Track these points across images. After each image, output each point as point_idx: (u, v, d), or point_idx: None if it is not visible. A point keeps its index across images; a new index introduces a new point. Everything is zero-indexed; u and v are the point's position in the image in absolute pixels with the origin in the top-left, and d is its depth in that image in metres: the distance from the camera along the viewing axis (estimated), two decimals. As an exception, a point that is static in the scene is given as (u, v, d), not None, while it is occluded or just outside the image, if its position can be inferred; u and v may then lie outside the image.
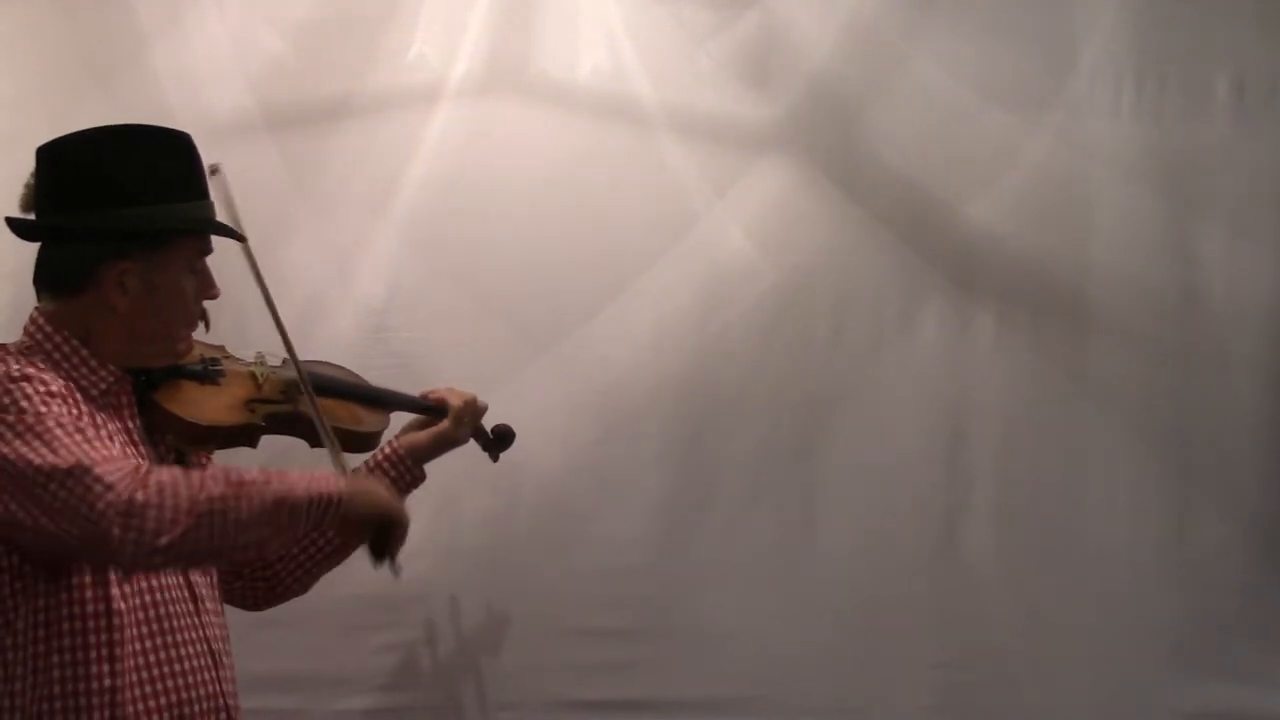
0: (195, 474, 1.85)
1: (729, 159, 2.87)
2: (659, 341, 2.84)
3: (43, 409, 1.85)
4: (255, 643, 2.50)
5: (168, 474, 1.83)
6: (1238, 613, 2.87)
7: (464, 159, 2.81)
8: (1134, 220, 2.88)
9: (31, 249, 2.06)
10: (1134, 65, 2.89)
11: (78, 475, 1.79)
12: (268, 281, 2.14)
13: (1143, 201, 2.88)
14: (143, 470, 1.82)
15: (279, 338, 2.16)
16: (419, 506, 2.51)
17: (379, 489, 2.07)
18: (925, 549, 2.85)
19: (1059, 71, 2.88)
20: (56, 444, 1.82)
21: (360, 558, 2.30)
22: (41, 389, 1.87)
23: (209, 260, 2.08)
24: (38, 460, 1.80)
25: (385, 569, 2.06)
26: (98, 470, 1.80)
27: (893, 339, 2.87)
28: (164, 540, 1.79)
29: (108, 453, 1.85)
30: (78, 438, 1.83)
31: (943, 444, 2.87)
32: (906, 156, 2.87)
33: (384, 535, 2.04)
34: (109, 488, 1.78)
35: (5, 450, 1.81)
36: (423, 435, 2.38)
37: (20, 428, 1.82)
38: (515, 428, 2.54)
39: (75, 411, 1.89)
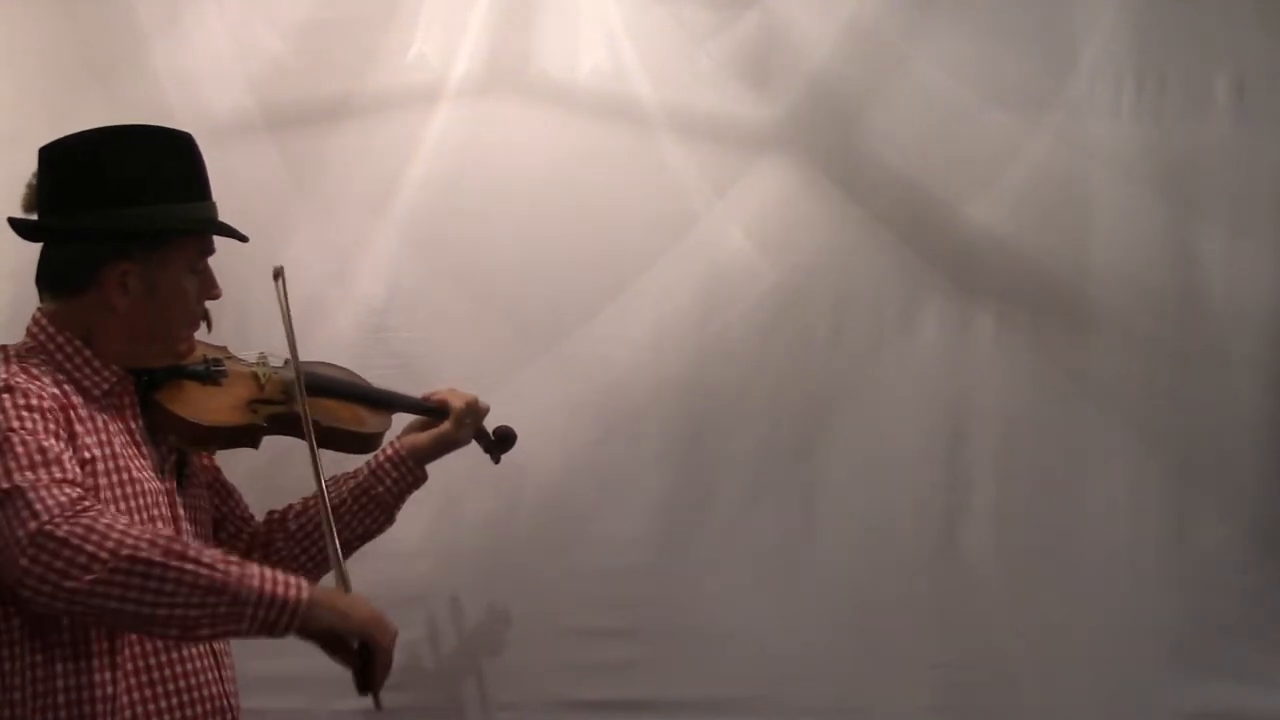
0: (139, 530, 1.78)
1: (729, 159, 2.87)
2: (659, 341, 2.84)
3: (14, 424, 1.83)
4: (255, 643, 2.46)
5: (107, 519, 1.76)
6: (1238, 613, 2.87)
7: (464, 159, 2.82)
8: (1134, 220, 2.88)
9: (31, 248, 2.06)
10: (1134, 65, 2.89)
11: (13, 497, 1.76)
12: (263, 278, 2.14)
13: (1143, 201, 2.88)
14: (81, 506, 1.76)
15: (284, 339, 2.16)
16: (420, 507, 2.53)
17: (359, 605, 1.91)
18: (925, 549, 2.86)
19: (1059, 71, 2.88)
20: (10, 463, 1.79)
21: (361, 555, 2.32)
22: (21, 402, 1.85)
23: (211, 260, 2.08)
24: None
25: (369, 700, 1.96)
26: (31, 495, 1.76)
27: (893, 339, 2.88)
28: (68, 584, 1.72)
29: (61, 476, 1.80)
30: (36, 458, 1.80)
31: (943, 444, 2.87)
32: (906, 156, 2.87)
33: (367, 662, 1.91)
34: (34, 515, 1.74)
35: None
36: (424, 436, 2.38)
37: None
38: (515, 427, 2.54)
39: (53, 425, 1.86)
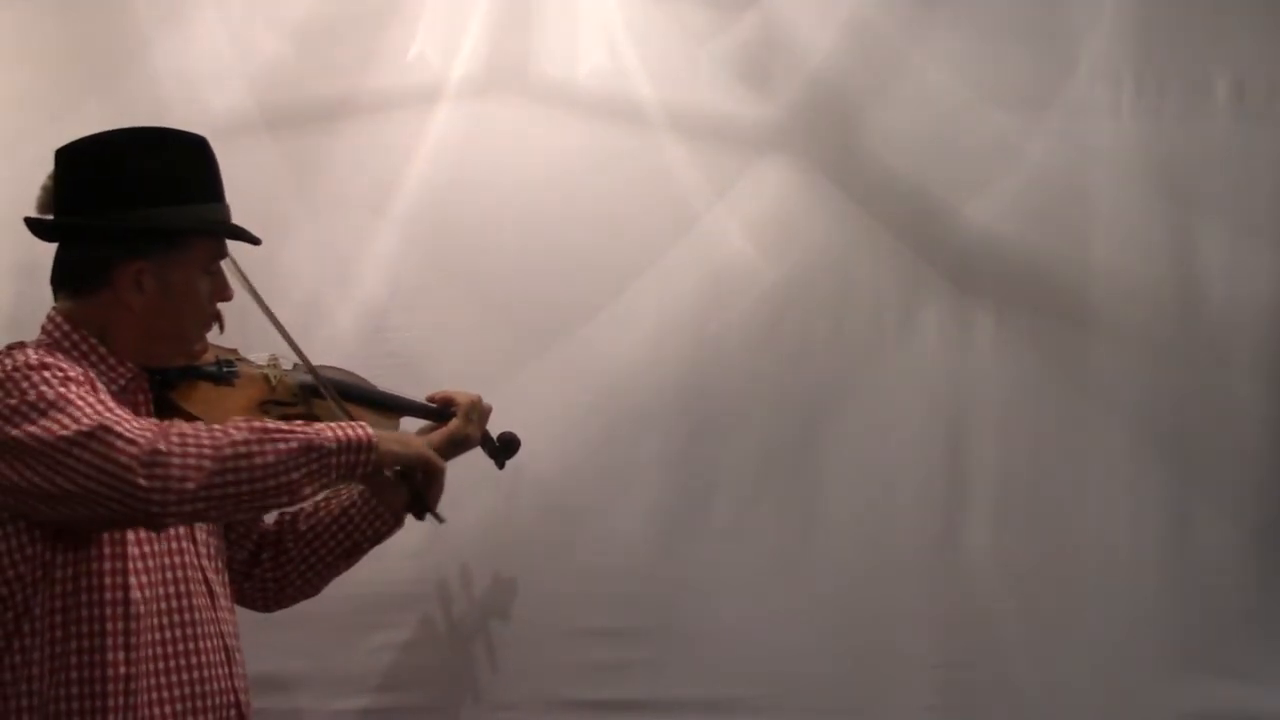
0: (219, 427, 1.90)
1: (729, 159, 2.87)
2: (659, 341, 2.85)
3: (62, 389, 1.89)
4: (255, 642, 2.50)
5: (190, 426, 1.90)
6: (1238, 613, 2.87)
7: (464, 159, 2.82)
8: (1134, 220, 2.88)
9: (34, 246, 2.08)
10: (1134, 65, 2.89)
11: (100, 435, 1.84)
12: (263, 278, 2.16)
13: (1143, 201, 2.89)
14: (162, 425, 1.88)
15: (285, 344, 2.19)
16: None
17: (410, 436, 2.14)
18: (925, 549, 2.86)
19: (1059, 71, 2.89)
20: (78, 412, 1.86)
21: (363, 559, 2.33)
22: (60, 374, 1.91)
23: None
24: (61, 430, 1.84)
25: (430, 521, 2.14)
26: (119, 428, 1.85)
27: (893, 339, 2.88)
28: (190, 485, 1.84)
29: (128, 414, 1.90)
30: (98, 406, 1.88)
31: (943, 444, 2.87)
32: (906, 156, 2.87)
33: (421, 486, 2.12)
34: (131, 441, 1.83)
35: (31, 429, 1.86)
36: (434, 436, 2.39)
37: (43, 405, 1.87)
38: (515, 427, 2.56)
39: (96, 392, 1.93)
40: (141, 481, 1.82)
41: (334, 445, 1.94)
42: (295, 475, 1.90)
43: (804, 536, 2.86)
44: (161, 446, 1.83)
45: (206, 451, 1.85)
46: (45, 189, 2.06)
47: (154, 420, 1.93)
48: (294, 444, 1.91)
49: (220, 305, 2.13)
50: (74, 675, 1.92)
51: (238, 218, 2.16)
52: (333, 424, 1.98)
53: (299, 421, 1.99)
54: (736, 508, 2.85)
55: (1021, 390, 2.88)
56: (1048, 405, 2.88)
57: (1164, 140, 2.89)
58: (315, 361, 2.32)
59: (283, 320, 2.22)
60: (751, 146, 2.88)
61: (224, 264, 2.14)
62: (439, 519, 2.17)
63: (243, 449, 1.87)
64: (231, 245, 2.15)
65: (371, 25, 2.82)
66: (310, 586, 2.35)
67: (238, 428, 1.90)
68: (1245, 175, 2.89)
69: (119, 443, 1.83)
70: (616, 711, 2.81)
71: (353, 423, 2.01)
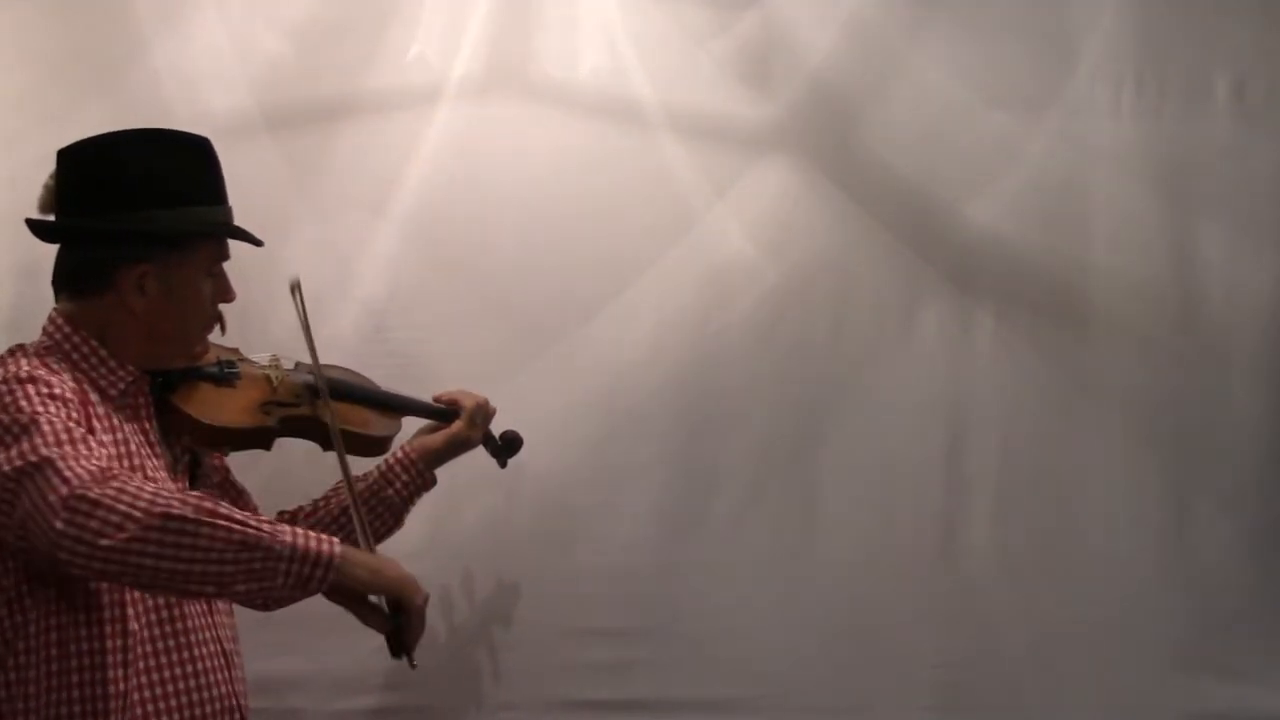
0: (170, 489, 1.82)
1: (729, 159, 2.87)
2: (659, 341, 2.85)
3: (39, 409, 1.86)
4: (256, 642, 2.50)
5: (137, 482, 1.78)
6: (1238, 613, 2.87)
7: (464, 159, 2.82)
8: (1134, 220, 2.88)
9: (35, 247, 2.07)
10: (1134, 65, 2.89)
11: (41, 469, 1.78)
12: (263, 278, 2.16)
13: (1143, 201, 2.89)
14: (110, 473, 1.79)
15: (290, 338, 2.17)
16: (420, 506, 2.54)
17: (388, 564, 1.94)
18: (925, 549, 2.86)
19: (1059, 71, 2.89)
20: (39, 440, 1.81)
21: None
22: (44, 391, 1.89)
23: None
24: (18, 460, 1.80)
25: (403, 662, 1.97)
26: (60, 464, 1.77)
27: (893, 339, 2.88)
28: (104, 543, 1.73)
29: (84, 452, 1.81)
30: (63, 436, 1.82)
31: (942, 444, 2.87)
32: (906, 156, 2.87)
33: (400, 625, 1.93)
34: (65, 481, 1.76)
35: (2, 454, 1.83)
36: (436, 438, 2.40)
37: (16, 429, 1.83)
38: (516, 427, 2.57)
39: (76, 416, 1.90)
40: (58, 524, 1.73)
41: (287, 551, 1.77)
42: (228, 568, 1.75)
43: (804, 536, 2.86)
44: (93, 493, 1.74)
45: (136, 513, 1.73)
46: (47, 188, 2.04)
47: (105, 466, 1.80)
48: (238, 537, 1.75)
49: (221, 306, 2.13)
50: (76, 694, 1.90)
51: (239, 218, 2.15)
52: (302, 531, 1.82)
53: (266, 520, 1.83)
54: (736, 507, 2.86)
55: (1021, 390, 2.88)
56: (1048, 405, 2.88)
57: (1164, 140, 2.89)
58: (325, 364, 2.32)
59: (282, 320, 2.21)
60: (751, 146, 2.88)
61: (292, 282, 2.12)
62: (411, 663, 1.96)
63: (175, 523, 1.74)
64: (234, 245, 2.14)
65: (371, 25, 2.82)
66: None
67: (186, 500, 1.77)
68: (1245, 175, 2.90)
69: (54, 479, 1.76)
70: (616, 711, 2.81)
71: (326, 537, 1.83)
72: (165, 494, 1.78)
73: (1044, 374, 2.88)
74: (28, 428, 1.83)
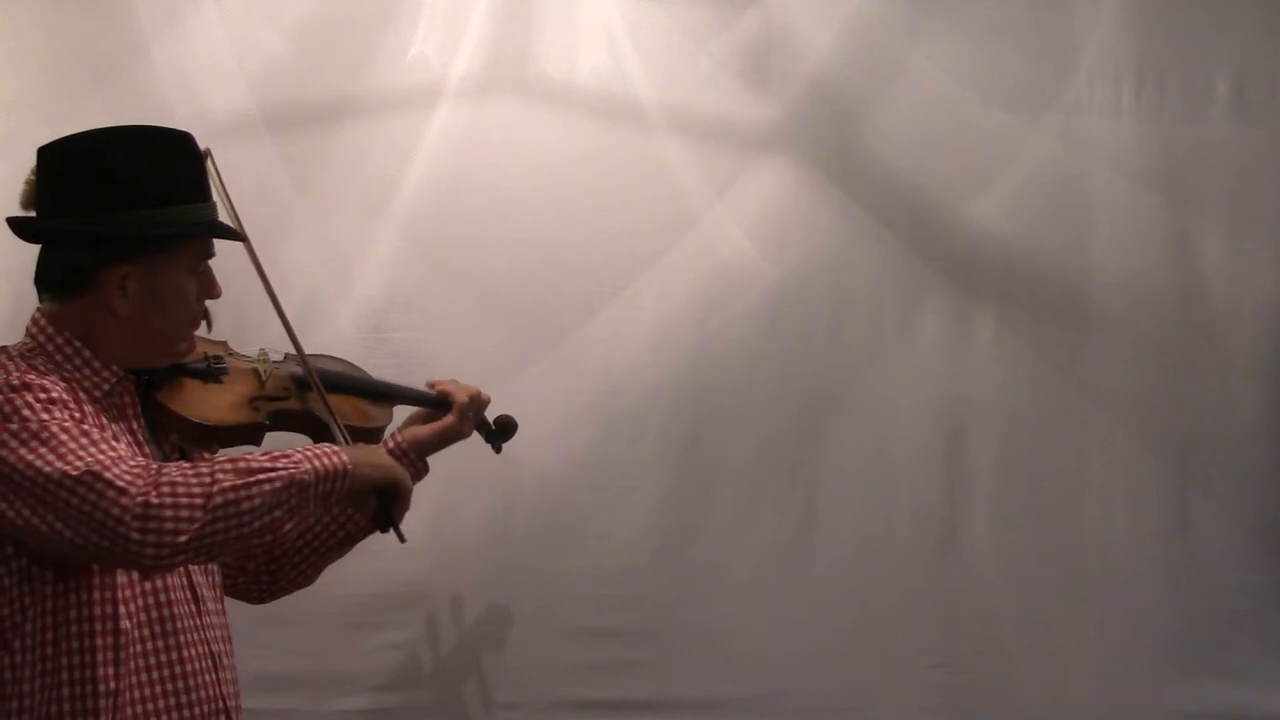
0: (204, 467, 1.84)
1: (729, 159, 2.87)
2: (659, 341, 2.84)
3: (45, 416, 1.83)
4: (255, 642, 2.50)
5: (178, 472, 1.83)
6: (1238, 613, 2.88)
7: (464, 159, 2.81)
8: (1134, 220, 2.88)
9: (30, 246, 2.05)
10: (1134, 65, 2.89)
11: (89, 482, 1.78)
12: (275, 283, 2.14)
13: (1143, 201, 2.88)
14: (153, 469, 1.82)
15: (283, 333, 2.16)
16: (420, 506, 2.51)
17: (381, 455, 2.07)
18: (925, 549, 2.86)
19: (1059, 71, 2.89)
20: (63, 450, 1.81)
21: (357, 550, 2.31)
22: (43, 396, 1.86)
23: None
24: (47, 468, 1.79)
25: (391, 535, 2.07)
26: (109, 475, 1.79)
27: (893, 339, 2.88)
28: (183, 539, 1.79)
29: (115, 454, 1.83)
30: (83, 441, 1.82)
31: (943, 444, 2.87)
32: (906, 156, 2.87)
33: (387, 502, 2.03)
34: (122, 492, 1.78)
35: (12, 458, 1.80)
36: (426, 430, 2.37)
37: (25, 435, 1.81)
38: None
39: (78, 415, 1.88)
40: (134, 535, 1.78)
41: (313, 478, 1.89)
42: (278, 514, 1.86)
43: (804, 536, 2.85)
44: (154, 499, 1.79)
45: (198, 502, 1.81)
46: (30, 184, 1.99)
47: (141, 462, 1.85)
48: (278, 484, 1.86)
49: (218, 303, 2.10)
50: (66, 692, 1.88)
51: (239, 217, 2.14)
52: (311, 452, 1.92)
53: (278, 453, 1.91)
54: (736, 507, 2.85)
55: (1021, 390, 2.88)
56: (1048, 405, 2.88)
57: (1164, 140, 2.89)
58: (315, 352, 2.31)
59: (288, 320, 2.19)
60: (751, 146, 2.87)
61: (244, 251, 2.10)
62: (401, 537, 2.09)
63: (230, 495, 1.82)
64: (232, 244, 2.12)
65: (371, 25, 2.80)
66: (304, 577, 2.31)
67: (224, 470, 1.84)
68: (1245, 175, 2.90)
69: (110, 492, 1.78)
70: (616, 711, 2.81)
71: (330, 449, 1.94)
72: (206, 474, 1.83)
73: (1044, 374, 2.88)
74: (40, 434, 1.81)
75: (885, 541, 2.86)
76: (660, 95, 2.85)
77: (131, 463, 1.83)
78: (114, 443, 1.87)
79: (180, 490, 1.80)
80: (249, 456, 1.89)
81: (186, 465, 1.86)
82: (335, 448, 1.95)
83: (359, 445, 2.13)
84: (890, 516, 2.86)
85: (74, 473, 1.79)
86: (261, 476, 1.85)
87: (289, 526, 1.89)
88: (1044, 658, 2.85)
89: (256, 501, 1.83)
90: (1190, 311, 2.89)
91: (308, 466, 1.89)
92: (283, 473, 1.86)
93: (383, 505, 2.03)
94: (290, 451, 1.91)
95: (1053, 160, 2.88)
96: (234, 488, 1.82)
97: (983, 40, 2.88)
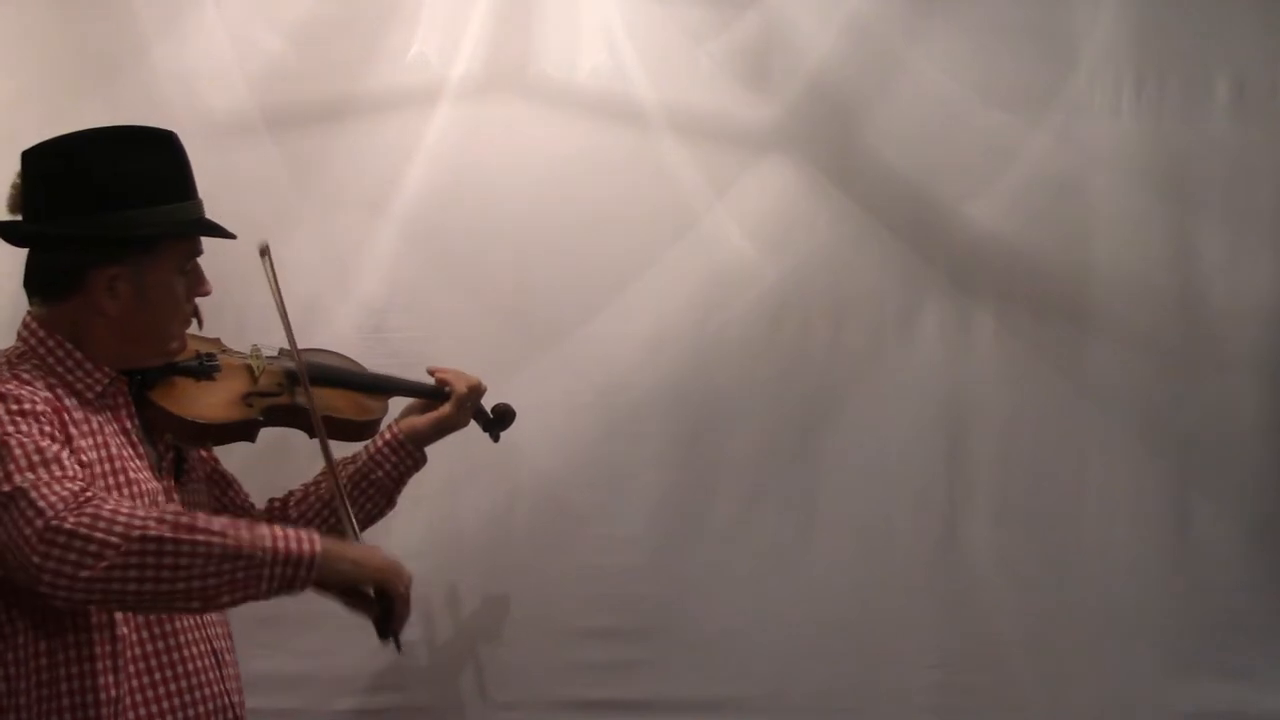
0: (144, 511, 1.78)
1: (729, 159, 2.86)
2: (659, 341, 2.84)
3: (9, 429, 1.82)
4: (255, 642, 2.51)
5: (111, 506, 1.76)
6: (1238, 613, 2.87)
7: (464, 159, 2.80)
8: (1134, 220, 2.87)
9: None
10: (1134, 65, 2.88)
11: (15, 499, 1.76)
12: (263, 277, 2.13)
13: (1143, 201, 2.88)
14: (84, 497, 1.76)
15: (283, 333, 2.15)
16: (419, 505, 2.53)
17: (371, 554, 1.93)
18: (925, 549, 2.85)
19: (1059, 71, 2.88)
20: (9, 466, 1.78)
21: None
22: (14, 408, 1.85)
23: (209, 259, 2.07)
24: None
25: (390, 646, 1.97)
26: (34, 494, 1.75)
27: (893, 339, 2.87)
28: (85, 574, 1.72)
29: (61, 475, 1.79)
30: (34, 459, 1.79)
31: (943, 444, 2.86)
32: (906, 156, 2.86)
33: (387, 610, 1.92)
34: (40, 513, 1.74)
35: None
36: (423, 420, 2.36)
37: None
38: (515, 427, 2.54)
39: (48, 428, 1.85)
40: (34, 559, 1.72)
41: (268, 556, 1.76)
42: (211, 582, 1.75)
43: (804, 536, 2.85)
44: (68, 524, 1.71)
45: (114, 540, 1.71)
46: (15, 186, 1.99)
47: (79, 488, 1.77)
48: (217, 550, 1.74)
49: (213, 297, 2.09)
50: (65, 702, 1.88)
51: (238, 218, 2.13)
52: (282, 531, 1.80)
53: (245, 523, 1.80)
54: (736, 508, 2.84)
55: (1021, 390, 2.87)
56: (1048, 404, 2.87)
57: (1164, 140, 2.88)
58: (312, 347, 2.30)
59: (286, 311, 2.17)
60: (751, 146, 2.86)
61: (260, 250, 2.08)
62: (398, 648, 1.98)
63: (152, 545, 1.72)
64: (232, 243, 2.11)
65: (371, 25, 2.79)
66: None
67: (163, 519, 1.75)
68: (1245, 175, 2.89)
69: (29, 511, 1.73)
70: (616, 711, 2.80)
71: (305, 535, 1.81)
72: (141, 515, 1.75)
73: (1044, 374, 2.87)
74: None
75: (885, 541, 2.85)
76: (660, 95, 2.84)
77: (70, 486, 1.77)
78: (67, 463, 1.82)
79: (101, 524, 1.73)
80: (208, 516, 1.81)
81: (130, 505, 1.79)
82: (314, 535, 1.83)
83: (351, 542, 2.01)
84: (890, 516, 2.85)
85: (6, 489, 1.76)
86: (200, 536, 1.75)
87: (226, 600, 1.78)
88: (1043, 657, 2.84)
89: (184, 560, 1.73)
90: (1190, 311, 2.88)
91: (267, 544, 1.78)
92: (229, 541, 1.76)
93: (384, 609, 1.92)
94: (257, 523, 1.82)
95: (1053, 160, 2.87)
96: (160, 538, 1.73)
97: (983, 40, 2.87)
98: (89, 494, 1.77)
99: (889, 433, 2.86)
